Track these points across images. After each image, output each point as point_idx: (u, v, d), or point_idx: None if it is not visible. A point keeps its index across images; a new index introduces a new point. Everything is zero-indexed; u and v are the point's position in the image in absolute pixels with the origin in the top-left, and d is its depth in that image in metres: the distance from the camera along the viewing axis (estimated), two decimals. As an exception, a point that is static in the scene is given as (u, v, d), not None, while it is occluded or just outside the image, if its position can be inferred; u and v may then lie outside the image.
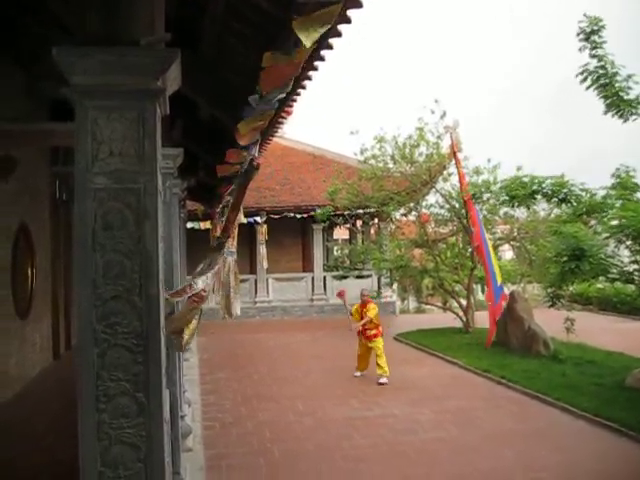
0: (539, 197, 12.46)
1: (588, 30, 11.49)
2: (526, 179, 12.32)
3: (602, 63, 11.33)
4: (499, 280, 15.12)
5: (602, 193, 11.81)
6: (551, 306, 12.91)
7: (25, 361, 11.11)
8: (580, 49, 11.59)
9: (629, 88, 11.22)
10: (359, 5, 4.01)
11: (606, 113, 11.42)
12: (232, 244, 12.82)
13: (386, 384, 12.52)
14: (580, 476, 7.50)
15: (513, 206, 13.31)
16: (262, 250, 22.81)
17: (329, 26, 3.49)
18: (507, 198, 12.81)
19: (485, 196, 19.27)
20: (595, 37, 11.41)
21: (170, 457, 3.51)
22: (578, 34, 11.61)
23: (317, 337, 19.50)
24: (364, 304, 13.27)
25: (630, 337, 16.27)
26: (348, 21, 4.22)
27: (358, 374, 13.34)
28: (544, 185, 12.04)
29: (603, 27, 11.46)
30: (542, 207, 18.51)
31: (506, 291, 16.08)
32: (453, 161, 17.46)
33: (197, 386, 12.38)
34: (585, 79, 11.50)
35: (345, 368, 13.99)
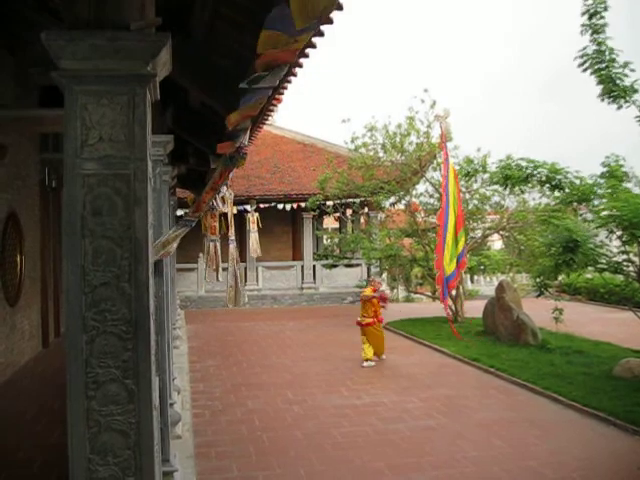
0: (534, 182, 12.43)
1: (592, 11, 11.41)
2: (523, 162, 12.26)
3: (601, 48, 11.29)
4: (448, 271, 15.19)
5: (592, 182, 11.82)
6: (539, 296, 12.95)
7: (14, 348, 11.07)
8: (581, 32, 11.53)
9: (625, 75, 11.20)
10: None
11: (602, 99, 11.42)
12: (230, 232, 12.82)
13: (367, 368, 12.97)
14: (569, 465, 7.55)
15: (506, 187, 13.22)
16: (253, 238, 22.74)
17: (330, 12, 3.47)
18: (501, 178, 12.72)
19: (475, 185, 19.32)
20: (597, 18, 11.34)
21: (159, 444, 3.51)
22: (583, 13, 11.53)
23: (307, 325, 19.52)
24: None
25: (618, 327, 16.36)
26: (340, 7, 4.19)
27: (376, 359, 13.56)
28: (539, 170, 12.01)
29: (607, 8, 11.38)
30: (532, 197, 18.59)
31: (455, 283, 16.18)
32: (443, 151, 17.46)
33: (186, 374, 12.36)
34: (583, 63, 11.47)
35: (334, 356, 14.04)
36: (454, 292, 19.45)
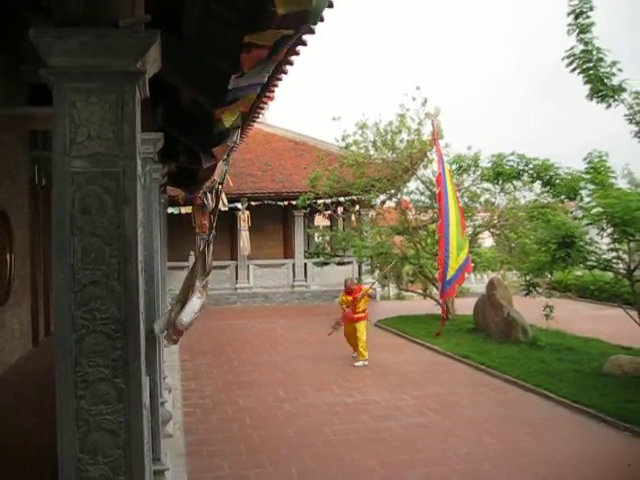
0: (525, 178, 12.46)
1: (577, 11, 11.42)
2: (515, 158, 12.28)
3: (588, 47, 11.30)
4: (450, 274, 14.97)
5: (577, 175, 11.86)
6: (527, 294, 12.96)
7: (5, 347, 11.01)
8: (568, 32, 11.54)
9: (613, 74, 11.22)
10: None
11: (591, 98, 11.44)
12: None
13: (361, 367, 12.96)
14: (559, 461, 7.58)
15: (497, 182, 13.25)
16: (244, 236, 22.75)
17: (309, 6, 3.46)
18: (492, 175, 12.74)
19: (466, 183, 19.34)
20: (583, 18, 11.35)
21: (150, 443, 3.50)
22: (569, 14, 11.55)
23: (298, 323, 19.52)
24: (351, 291, 13.60)
25: (608, 324, 16.42)
26: (330, 5, 4.17)
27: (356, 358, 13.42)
28: (530, 166, 12.03)
29: (592, 8, 11.39)
30: (523, 194, 18.62)
31: (457, 287, 15.83)
32: (434, 148, 17.44)
33: (177, 372, 12.35)
34: (571, 63, 11.48)
35: (326, 354, 14.03)
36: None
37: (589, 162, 11.83)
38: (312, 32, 4.86)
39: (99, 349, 3.09)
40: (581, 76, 11.42)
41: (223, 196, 11.34)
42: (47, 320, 14.11)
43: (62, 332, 3.12)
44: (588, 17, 11.36)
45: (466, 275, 16.19)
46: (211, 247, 6.38)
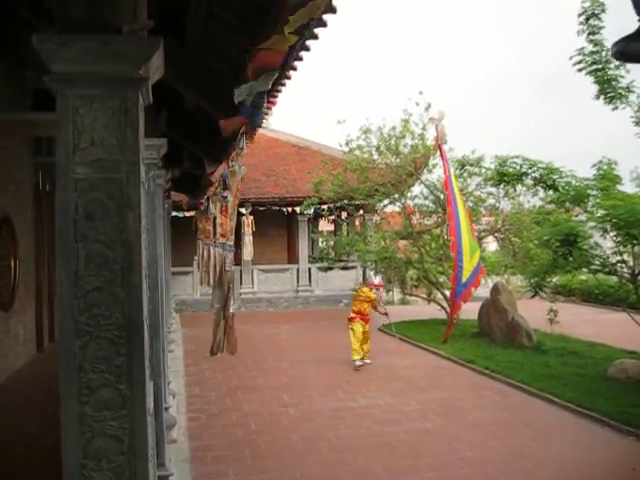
0: (528, 181, 12.44)
1: (589, 12, 11.42)
2: (519, 160, 12.26)
3: (597, 48, 11.30)
4: (465, 277, 14.85)
5: (585, 183, 11.83)
6: (534, 296, 12.95)
7: (9, 353, 11.02)
8: (578, 32, 11.54)
9: (621, 76, 11.23)
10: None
11: (597, 98, 11.45)
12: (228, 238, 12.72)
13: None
14: (564, 465, 7.56)
15: (500, 183, 13.22)
16: (247, 241, 22.75)
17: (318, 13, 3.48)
18: (496, 176, 12.72)
19: (470, 188, 19.32)
20: (595, 20, 11.35)
21: (154, 449, 3.49)
22: (580, 14, 11.54)
23: (302, 328, 19.51)
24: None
25: (612, 328, 16.38)
26: (333, 10, 4.18)
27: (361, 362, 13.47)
28: (535, 168, 12.01)
29: (604, 10, 11.38)
30: (527, 199, 18.61)
31: (473, 290, 15.72)
32: (438, 153, 17.44)
33: (182, 377, 12.34)
34: (579, 62, 11.49)
35: (330, 359, 14.02)
36: (449, 294, 19.42)
37: (598, 169, 11.81)
38: (315, 37, 4.88)
39: (103, 355, 3.09)
40: (587, 77, 11.44)
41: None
42: (51, 326, 14.12)
43: (66, 338, 3.12)
44: (599, 19, 11.36)
45: (481, 279, 16.10)
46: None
